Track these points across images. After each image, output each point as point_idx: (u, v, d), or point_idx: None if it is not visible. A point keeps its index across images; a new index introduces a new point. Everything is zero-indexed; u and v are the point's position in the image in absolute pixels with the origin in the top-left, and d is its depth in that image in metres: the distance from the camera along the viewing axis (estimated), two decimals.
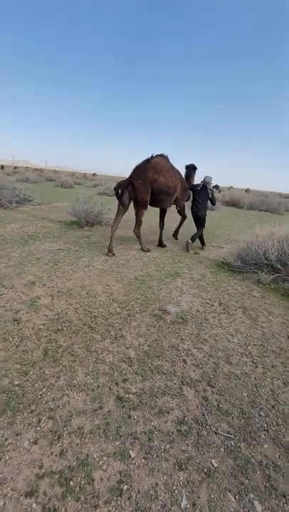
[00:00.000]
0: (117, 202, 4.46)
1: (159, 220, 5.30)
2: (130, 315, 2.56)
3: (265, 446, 1.41)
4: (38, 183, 18.89)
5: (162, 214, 5.25)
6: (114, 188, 4.41)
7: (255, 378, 1.89)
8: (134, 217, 4.61)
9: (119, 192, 4.36)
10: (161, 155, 4.62)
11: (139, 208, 4.50)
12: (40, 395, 1.58)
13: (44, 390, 1.62)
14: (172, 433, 1.43)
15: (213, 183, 5.14)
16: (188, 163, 5.33)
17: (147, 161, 4.42)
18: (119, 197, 4.40)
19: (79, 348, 2.03)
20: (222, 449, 1.38)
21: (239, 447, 1.39)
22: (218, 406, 1.63)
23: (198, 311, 2.78)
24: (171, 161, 4.79)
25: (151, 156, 4.49)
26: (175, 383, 1.78)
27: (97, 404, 1.55)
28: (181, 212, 5.42)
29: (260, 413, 1.61)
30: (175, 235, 5.58)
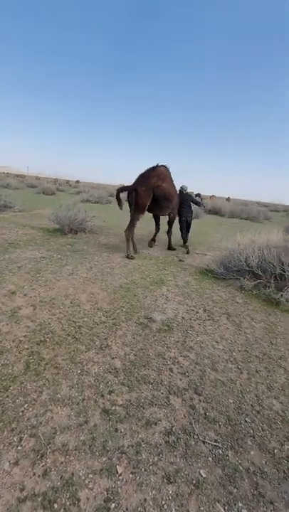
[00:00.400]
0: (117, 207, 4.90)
1: (155, 224, 6.00)
2: (116, 324, 2.52)
3: (252, 452, 1.42)
4: (19, 189, 18.46)
5: (158, 219, 5.91)
6: (116, 192, 4.84)
7: (240, 384, 1.92)
8: (130, 219, 4.92)
9: (128, 198, 4.83)
10: (164, 165, 5.03)
11: (138, 211, 4.80)
12: (22, 411, 1.50)
13: (26, 406, 1.54)
14: (160, 445, 1.41)
15: (191, 190, 5.53)
16: None
17: (152, 169, 4.82)
18: (129, 202, 4.87)
19: (63, 359, 1.96)
20: (210, 459, 1.37)
21: (227, 455, 1.39)
22: (206, 414, 1.63)
23: (183, 318, 2.79)
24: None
25: (156, 165, 4.89)
26: (162, 393, 1.76)
27: (82, 419, 1.50)
28: (171, 221, 5.83)
29: (246, 419, 1.62)
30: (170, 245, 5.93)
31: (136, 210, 4.79)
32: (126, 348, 2.17)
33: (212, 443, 1.44)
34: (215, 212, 16.76)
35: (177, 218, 5.90)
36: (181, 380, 1.90)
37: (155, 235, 5.97)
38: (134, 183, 4.74)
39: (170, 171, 5.18)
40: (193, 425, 1.53)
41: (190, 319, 2.78)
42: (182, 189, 5.78)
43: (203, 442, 1.44)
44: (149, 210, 5.19)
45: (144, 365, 2.01)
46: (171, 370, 1.99)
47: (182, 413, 1.62)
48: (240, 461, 1.37)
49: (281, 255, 3.84)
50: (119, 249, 5.21)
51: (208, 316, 2.90)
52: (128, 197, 4.86)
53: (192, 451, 1.39)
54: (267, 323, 2.88)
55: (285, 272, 3.71)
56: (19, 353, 1.97)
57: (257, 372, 2.07)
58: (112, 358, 2.04)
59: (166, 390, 1.78)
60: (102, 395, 1.68)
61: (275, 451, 1.44)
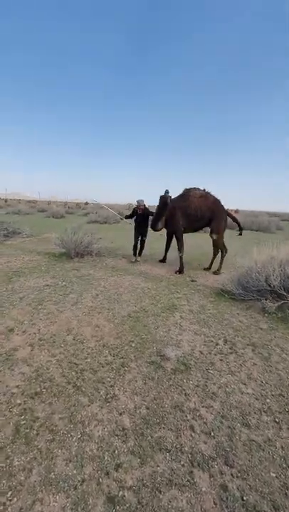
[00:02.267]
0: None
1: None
2: (124, 365, 2.18)
3: None
4: (29, 214, 18.90)
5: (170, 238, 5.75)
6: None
7: (281, 447, 1.51)
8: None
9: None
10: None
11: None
12: (4, 504, 1.17)
13: (9, 494, 1.20)
14: None
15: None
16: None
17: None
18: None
19: (60, 418, 1.63)
20: None
21: None
22: (243, 499, 1.24)
23: (201, 352, 2.41)
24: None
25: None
26: (183, 465, 1.38)
27: None
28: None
29: None
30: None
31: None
32: (136, 399, 1.82)
33: None
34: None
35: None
36: (205, 443, 1.52)
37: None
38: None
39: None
40: None
41: (210, 354, 2.40)
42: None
43: None
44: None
45: (159, 422, 1.64)
46: (192, 428, 1.61)
47: (212, 498, 1.24)
48: None
49: None
50: (127, 272, 4.93)
51: (230, 348, 2.51)
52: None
53: None
54: None
55: None
56: (9, 411, 1.66)
57: None
58: (120, 414, 1.68)
59: (189, 461, 1.40)
60: (107, 473, 1.32)
61: None
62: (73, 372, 2.05)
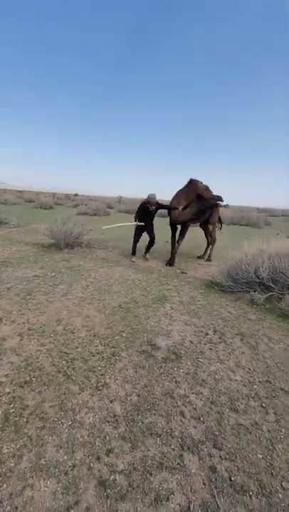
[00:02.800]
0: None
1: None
2: (115, 354, 2.18)
3: None
4: (16, 204, 18.38)
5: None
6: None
7: (268, 430, 1.56)
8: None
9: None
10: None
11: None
12: None
13: None
14: None
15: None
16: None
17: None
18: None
19: (50, 406, 1.61)
20: None
21: None
22: (231, 479, 1.27)
23: (192, 342, 2.45)
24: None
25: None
26: (173, 448, 1.41)
27: (71, 498, 1.15)
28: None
29: (284, 484, 1.26)
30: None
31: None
32: (127, 386, 1.83)
33: None
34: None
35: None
36: (195, 427, 1.55)
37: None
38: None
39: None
40: (217, 499, 1.18)
41: (199, 343, 2.44)
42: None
43: None
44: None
45: (150, 408, 1.66)
46: (182, 413, 1.64)
47: (201, 479, 1.27)
48: None
49: None
50: (117, 264, 4.90)
51: (219, 338, 2.56)
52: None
53: None
54: (286, 343, 2.53)
55: None
56: None
57: (286, 410, 1.71)
58: (111, 401, 1.69)
59: (179, 445, 1.43)
60: (98, 458, 1.33)
61: None
62: (63, 362, 2.03)
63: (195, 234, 6.58)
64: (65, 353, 2.14)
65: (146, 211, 5.00)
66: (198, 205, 4.77)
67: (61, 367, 1.97)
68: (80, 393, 1.73)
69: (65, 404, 1.63)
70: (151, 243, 5.42)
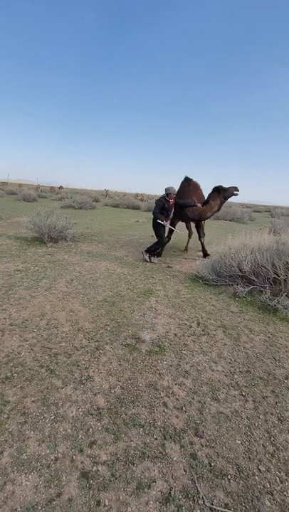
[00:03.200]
0: None
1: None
2: (99, 347, 2.18)
3: None
4: None
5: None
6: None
7: (247, 417, 1.63)
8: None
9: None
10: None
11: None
12: None
13: None
14: None
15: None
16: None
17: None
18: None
19: (33, 401, 1.59)
20: None
21: None
22: (210, 465, 1.32)
23: (175, 335, 2.48)
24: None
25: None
26: (156, 438, 1.43)
27: (53, 490, 1.15)
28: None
29: (260, 467, 1.33)
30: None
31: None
32: (111, 379, 1.83)
33: (222, 510, 1.13)
34: None
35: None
36: (177, 417, 1.58)
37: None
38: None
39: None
40: (197, 484, 1.22)
41: (183, 336, 2.48)
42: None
43: (211, 510, 1.13)
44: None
45: (133, 400, 1.67)
46: (165, 404, 1.67)
47: (182, 466, 1.30)
48: None
49: (274, 258, 3.63)
50: (103, 258, 4.86)
51: (202, 330, 2.61)
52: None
53: None
54: (266, 334, 2.63)
55: (278, 276, 3.51)
56: None
57: (264, 398, 1.78)
58: (95, 394, 1.69)
59: (161, 435, 1.46)
60: (81, 450, 1.33)
61: None
62: (46, 356, 2.00)
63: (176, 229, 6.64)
64: (48, 347, 2.12)
65: (165, 207, 4.78)
66: (220, 200, 5.03)
67: (44, 362, 1.95)
68: (63, 387, 1.72)
69: (47, 399, 1.62)
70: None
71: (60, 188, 35.63)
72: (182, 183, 5.48)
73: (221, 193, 5.01)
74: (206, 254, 5.38)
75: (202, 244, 5.47)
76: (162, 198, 4.73)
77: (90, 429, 1.45)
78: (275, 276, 3.51)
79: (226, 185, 5.05)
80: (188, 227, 6.04)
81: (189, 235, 6.09)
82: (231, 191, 5.03)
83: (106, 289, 3.41)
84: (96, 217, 11.43)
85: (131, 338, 2.35)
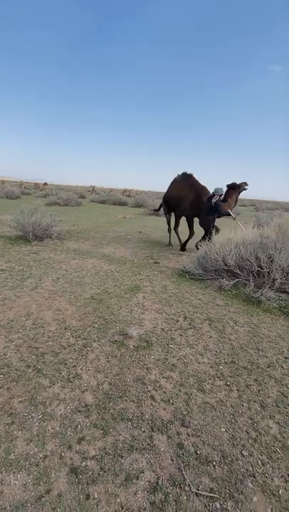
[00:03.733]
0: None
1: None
2: (86, 345, 2.18)
3: (255, 499, 1.18)
4: None
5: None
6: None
7: (231, 406, 1.69)
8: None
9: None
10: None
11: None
12: None
13: None
14: (144, 509, 1.12)
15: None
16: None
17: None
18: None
19: (20, 402, 1.59)
20: None
21: (227, 510, 1.14)
22: (196, 453, 1.37)
23: (163, 329, 2.53)
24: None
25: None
26: (144, 431, 1.47)
27: (42, 487, 1.16)
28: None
29: (243, 452, 1.39)
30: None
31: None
32: (99, 376, 1.85)
33: (207, 494, 1.18)
34: None
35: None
36: (165, 409, 1.63)
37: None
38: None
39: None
40: (183, 472, 1.26)
41: (170, 330, 2.53)
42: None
43: (197, 495, 1.18)
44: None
45: (121, 395, 1.70)
46: (153, 398, 1.70)
47: (169, 456, 1.35)
48: None
49: (258, 251, 3.74)
50: (90, 255, 4.83)
51: (189, 324, 2.67)
52: None
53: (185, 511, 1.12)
54: (250, 325, 2.72)
55: (262, 269, 3.62)
56: None
57: (247, 387, 1.86)
58: (83, 392, 1.70)
59: (149, 427, 1.49)
60: (70, 446, 1.35)
61: (280, 491, 1.22)
62: (33, 356, 1.99)
63: (163, 224, 6.63)
64: (35, 347, 2.10)
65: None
66: (236, 195, 5.14)
67: (31, 362, 1.93)
68: (50, 386, 1.72)
69: (35, 399, 1.61)
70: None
71: (45, 184, 34.83)
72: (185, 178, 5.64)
73: (236, 190, 5.11)
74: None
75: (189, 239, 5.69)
76: (216, 195, 5.07)
77: (79, 426, 1.46)
78: (259, 269, 3.62)
79: (238, 182, 5.11)
80: (192, 226, 5.95)
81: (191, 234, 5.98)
82: (243, 187, 5.16)
83: (93, 287, 3.41)
84: (82, 214, 11.29)
85: (118, 334, 2.37)
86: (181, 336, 2.45)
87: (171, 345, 2.27)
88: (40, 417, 1.50)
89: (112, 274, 3.97)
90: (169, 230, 6.24)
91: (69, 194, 15.71)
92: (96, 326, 2.48)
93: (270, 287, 3.47)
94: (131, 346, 2.21)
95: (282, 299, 3.20)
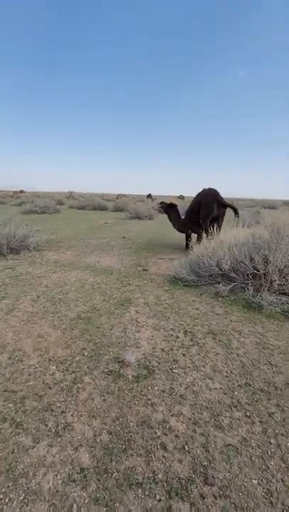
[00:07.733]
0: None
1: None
2: (76, 380, 1.82)
3: None
4: None
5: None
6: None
7: (257, 445, 1.41)
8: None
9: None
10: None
11: None
12: None
13: None
14: None
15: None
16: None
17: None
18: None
19: None
20: None
21: None
22: None
23: (163, 350, 2.22)
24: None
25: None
26: (159, 499, 1.15)
27: None
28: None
29: None
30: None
31: None
32: (95, 423, 1.50)
33: None
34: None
35: None
36: (180, 462, 1.31)
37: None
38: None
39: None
40: None
41: (171, 350, 2.22)
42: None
43: None
44: None
45: (125, 448, 1.37)
46: (164, 446, 1.39)
47: None
48: None
49: (251, 252, 3.55)
50: (72, 267, 4.43)
51: (190, 340, 2.38)
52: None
53: None
54: (256, 335, 2.48)
55: (258, 271, 3.43)
56: None
57: (270, 416, 1.59)
58: (76, 449, 1.35)
59: (165, 492, 1.17)
60: None
61: None
62: (10, 405, 1.60)
63: (147, 227, 6.38)
64: (12, 391, 1.71)
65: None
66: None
67: (7, 412, 1.55)
68: (34, 447, 1.35)
69: (13, 470, 1.24)
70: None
71: (21, 192, 33.49)
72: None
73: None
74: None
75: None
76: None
77: (74, 505, 1.11)
78: (255, 271, 3.43)
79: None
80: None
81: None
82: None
83: (79, 304, 3.03)
84: (61, 221, 10.76)
85: (114, 362, 2.03)
86: (184, 355, 2.15)
87: (176, 370, 1.97)
88: (21, 498, 1.13)
89: (98, 286, 3.60)
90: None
91: (46, 201, 15.01)
92: (86, 354, 2.12)
93: (268, 289, 3.28)
94: (130, 376, 1.88)
95: (284, 303, 3.01)
